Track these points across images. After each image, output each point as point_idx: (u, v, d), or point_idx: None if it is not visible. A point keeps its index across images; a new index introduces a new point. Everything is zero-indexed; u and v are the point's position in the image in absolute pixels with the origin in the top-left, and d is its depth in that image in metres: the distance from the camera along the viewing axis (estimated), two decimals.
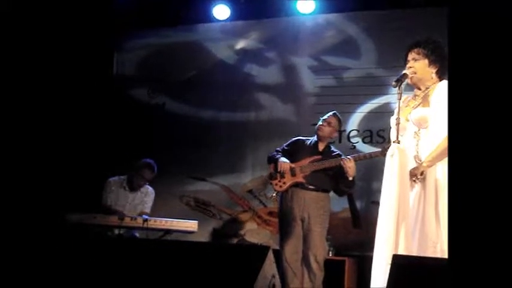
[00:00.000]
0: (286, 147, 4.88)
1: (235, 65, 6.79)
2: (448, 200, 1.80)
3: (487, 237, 1.67)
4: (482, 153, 1.69)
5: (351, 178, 4.57)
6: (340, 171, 4.60)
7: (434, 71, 3.49)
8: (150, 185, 5.77)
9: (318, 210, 4.65)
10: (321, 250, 4.64)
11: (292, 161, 4.71)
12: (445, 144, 3.23)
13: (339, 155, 4.71)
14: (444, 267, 2.57)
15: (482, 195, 1.68)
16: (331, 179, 4.71)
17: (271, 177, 4.73)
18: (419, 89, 3.52)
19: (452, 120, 1.78)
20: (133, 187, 5.67)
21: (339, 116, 4.86)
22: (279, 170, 4.66)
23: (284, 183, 4.67)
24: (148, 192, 5.75)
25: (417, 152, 3.35)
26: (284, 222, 4.70)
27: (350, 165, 4.53)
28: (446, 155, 3.24)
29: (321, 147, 4.80)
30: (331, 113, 4.84)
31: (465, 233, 1.70)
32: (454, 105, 1.77)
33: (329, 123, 4.77)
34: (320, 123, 4.80)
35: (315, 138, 4.84)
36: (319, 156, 4.72)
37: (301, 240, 4.65)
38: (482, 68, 1.72)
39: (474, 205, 1.69)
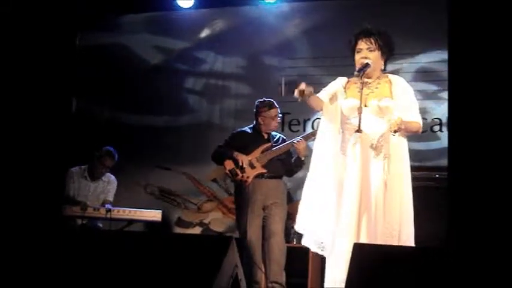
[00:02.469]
0: (229, 141, 4.88)
1: (199, 55, 6.74)
2: (448, 199, 1.82)
3: (486, 234, 1.69)
4: (481, 151, 1.71)
5: (303, 158, 4.67)
6: (289, 153, 4.75)
7: (383, 62, 3.52)
8: (115, 174, 5.74)
9: (280, 196, 4.75)
10: (282, 236, 4.71)
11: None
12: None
13: (283, 139, 4.85)
14: (406, 256, 2.61)
15: (481, 195, 1.70)
16: (283, 163, 4.81)
17: (233, 175, 4.72)
18: (369, 78, 3.51)
19: (453, 117, 1.78)
20: (95, 176, 5.64)
21: (276, 103, 4.84)
22: (240, 164, 4.66)
23: (248, 177, 4.69)
24: (110, 181, 5.73)
25: (376, 141, 3.36)
26: (247, 212, 4.69)
27: (303, 146, 4.66)
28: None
29: (265, 135, 4.86)
30: (272, 105, 4.79)
31: (465, 229, 1.71)
32: (454, 102, 1.78)
33: (273, 118, 4.79)
34: (265, 117, 4.76)
35: (253, 126, 4.88)
36: (270, 144, 4.77)
37: (261, 229, 4.68)
38: (482, 65, 1.73)
39: (474, 204, 1.70)
